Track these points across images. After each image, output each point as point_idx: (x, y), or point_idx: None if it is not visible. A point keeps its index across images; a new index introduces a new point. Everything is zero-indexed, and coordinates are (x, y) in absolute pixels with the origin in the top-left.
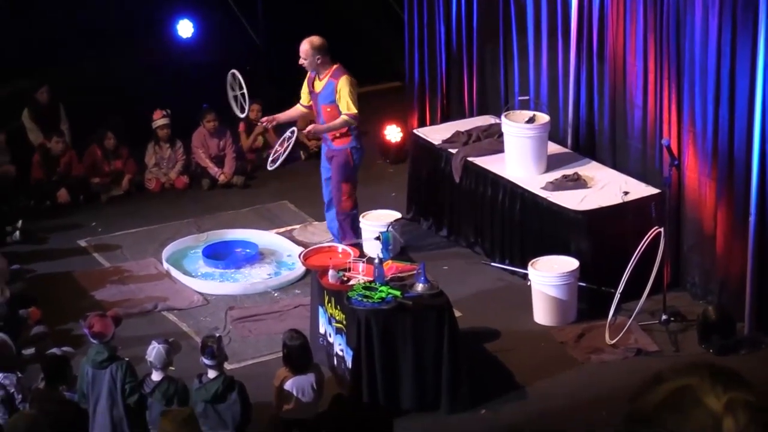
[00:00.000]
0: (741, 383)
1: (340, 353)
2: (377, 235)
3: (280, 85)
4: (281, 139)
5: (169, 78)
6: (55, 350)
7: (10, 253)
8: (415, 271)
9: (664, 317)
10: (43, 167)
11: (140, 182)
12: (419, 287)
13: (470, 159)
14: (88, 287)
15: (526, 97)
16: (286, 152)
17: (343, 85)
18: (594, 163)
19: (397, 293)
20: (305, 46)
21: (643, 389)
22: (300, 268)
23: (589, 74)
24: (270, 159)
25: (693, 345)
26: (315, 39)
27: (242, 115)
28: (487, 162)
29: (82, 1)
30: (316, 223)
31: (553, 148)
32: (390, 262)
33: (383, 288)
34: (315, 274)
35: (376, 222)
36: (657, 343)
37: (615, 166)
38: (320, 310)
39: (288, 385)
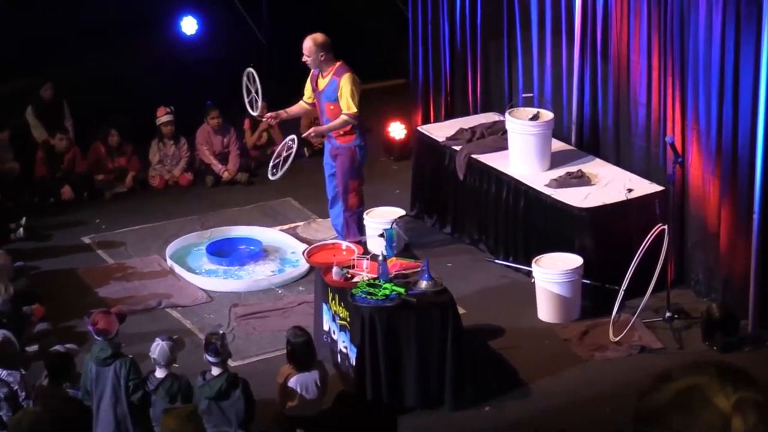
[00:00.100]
0: (750, 382)
1: (344, 350)
2: (381, 232)
3: (284, 82)
4: (281, 145)
5: (173, 75)
6: (58, 347)
7: (14, 250)
8: (419, 268)
9: (667, 314)
10: (46, 164)
11: (144, 179)
12: (423, 284)
13: (474, 156)
14: (92, 284)
15: (530, 95)
16: (288, 162)
17: (345, 83)
18: (598, 161)
19: (401, 290)
20: (308, 43)
21: (650, 387)
22: (304, 265)
23: (593, 71)
24: (271, 166)
25: (697, 342)
26: (318, 36)
27: (255, 114)
28: (491, 159)
29: None
30: (320, 220)
31: (557, 145)
32: (394, 259)
33: (387, 285)
34: (319, 271)
35: (380, 219)
36: (661, 340)
37: (619, 163)
38: (324, 307)
39: (292, 382)
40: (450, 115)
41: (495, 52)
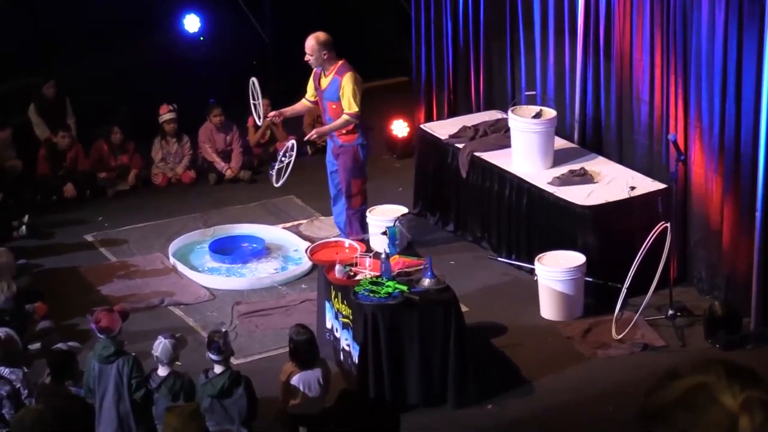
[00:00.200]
0: (757, 381)
1: (347, 348)
2: (384, 230)
3: (287, 79)
4: (283, 150)
5: (175, 73)
6: (61, 345)
7: (16, 247)
8: (421, 266)
9: (670, 312)
10: (49, 162)
11: (147, 177)
12: (426, 282)
13: (477, 154)
14: (95, 282)
15: (533, 92)
16: (290, 167)
17: (347, 82)
18: (600, 158)
19: (404, 288)
20: (311, 42)
21: (658, 385)
22: (307, 263)
23: (596, 69)
24: (275, 171)
25: (699, 340)
26: (321, 35)
27: (260, 123)
28: (493, 157)
29: None
30: (323, 217)
31: (560, 143)
32: (397, 257)
33: (390, 283)
34: (322, 269)
35: (382, 217)
36: (663, 338)
37: (621, 161)
38: (327, 305)
39: (294, 380)
40: (453, 113)
41: (498, 50)
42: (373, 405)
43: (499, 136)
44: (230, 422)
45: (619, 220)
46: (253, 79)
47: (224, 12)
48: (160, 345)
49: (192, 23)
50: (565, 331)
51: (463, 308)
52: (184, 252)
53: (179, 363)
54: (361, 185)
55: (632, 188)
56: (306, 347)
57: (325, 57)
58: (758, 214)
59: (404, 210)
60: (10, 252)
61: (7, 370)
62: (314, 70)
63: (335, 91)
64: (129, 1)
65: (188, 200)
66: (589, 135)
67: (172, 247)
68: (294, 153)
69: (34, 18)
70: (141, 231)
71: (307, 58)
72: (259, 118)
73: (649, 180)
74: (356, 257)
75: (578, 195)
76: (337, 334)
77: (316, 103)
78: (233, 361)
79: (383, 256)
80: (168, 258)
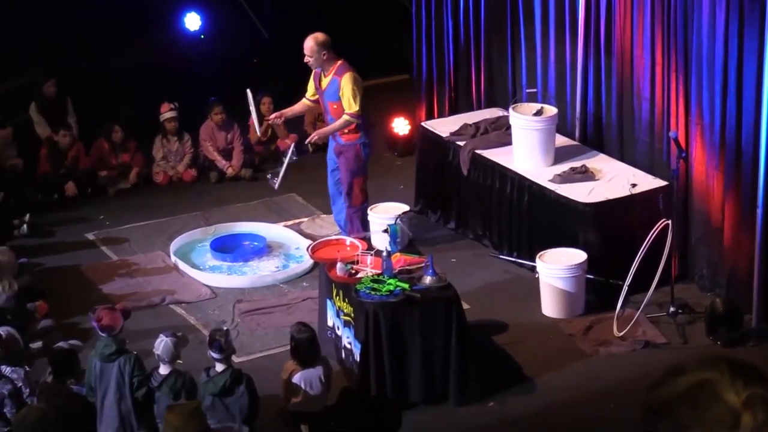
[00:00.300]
0: (761, 379)
1: (349, 346)
2: (385, 228)
3: (288, 77)
4: (287, 156)
5: (176, 71)
6: (62, 344)
7: (17, 246)
8: (423, 264)
9: (671, 309)
10: (50, 161)
11: (148, 175)
12: (427, 280)
13: (478, 151)
14: (96, 280)
15: (534, 90)
16: (284, 168)
17: (346, 82)
18: (602, 156)
19: (405, 286)
20: (310, 43)
21: (661, 380)
22: (308, 261)
23: (597, 67)
24: (278, 178)
25: (701, 337)
26: (319, 35)
27: (259, 133)
28: (495, 154)
29: None
30: (324, 215)
31: (561, 140)
32: (398, 254)
33: (391, 281)
34: (323, 267)
35: (384, 215)
36: (665, 335)
37: (622, 158)
38: (328, 303)
39: (296, 378)
40: (454, 111)
41: (498, 48)
42: (375, 403)
43: (500, 133)
44: (232, 420)
45: (620, 217)
46: (247, 90)
47: (225, 10)
48: (162, 343)
49: (193, 21)
50: (566, 329)
51: (465, 306)
52: (186, 250)
53: (181, 361)
54: (363, 183)
55: (633, 185)
56: (307, 345)
57: (325, 57)
58: (759, 210)
59: (405, 208)
60: (11, 251)
61: (8, 368)
62: (314, 70)
63: (335, 91)
64: (130, 0)
65: (189, 198)
66: (590, 132)
67: (174, 245)
68: (289, 156)
69: (35, 16)
70: (142, 229)
71: (306, 59)
72: (259, 125)
73: (650, 177)
74: (357, 255)
75: (579, 192)
76: (339, 332)
77: (316, 102)
78: (235, 359)
79: (384, 253)
80: (169, 256)
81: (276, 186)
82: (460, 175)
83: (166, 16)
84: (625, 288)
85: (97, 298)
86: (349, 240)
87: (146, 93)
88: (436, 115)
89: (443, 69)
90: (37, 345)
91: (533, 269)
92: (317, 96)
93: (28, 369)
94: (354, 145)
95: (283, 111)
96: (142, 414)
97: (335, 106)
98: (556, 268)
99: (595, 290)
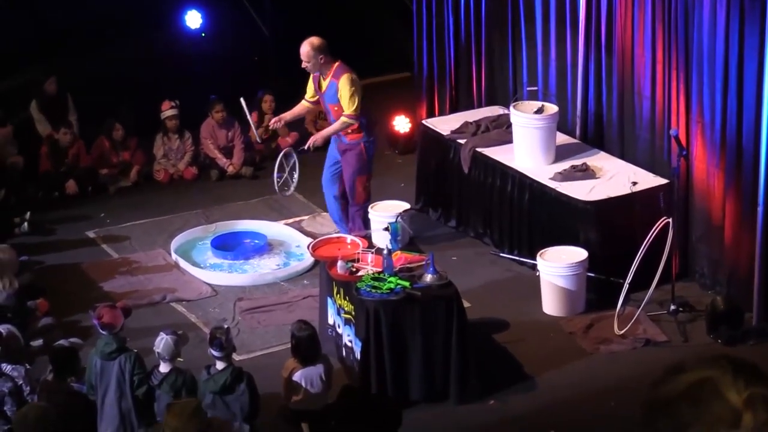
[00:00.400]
0: (762, 379)
1: (349, 344)
2: (386, 226)
3: (288, 75)
4: (278, 162)
5: (177, 69)
6: (63, 342)
7: (18, 244)
8: (423, 262)
9: (672, 307)
10: (51, 158)
11: (149, 173)
12: (428, 278)
13: (479, 149)
14: (97, 278)
15: (535, 88)
16: (296, 175)
17: (343, 85)
18: (602, 154)
19: (406, 284)
20: (306, 48)
21: (663, 378)
22: (309, 259)
23: (598, 65)
24: (278, 184)
25: (701, 335)
26: (314, 40)
27: (259, 140)
28: (495, 152)
29: None
30: (325, 213)
31: (562, 138)
32: (399, 252)
33: (392, 279)
34: (324, 265)
35: (384, 213)
36: (665, 333)
37: (623, 156)
38: (329, 301)
39: (297, 376)
40: (455, 109)
41: (499, 46)
42: (375, 401)
43: (501, 131)
44: (232, 418)
45: (621, 215)
46: (241, 99)
47: (225, 8)
48: (162, 341)
49: (193, 20)
50: (567, 327)
51: (465, 304)
52: (186, 248)
53: (181, 359)
54: (365, 182)
55: (634, 183)
56: (308, 343)
57: (322, 61)
58: (760, 209)
59: (406, 206)
60: (12, 248)
61: (9, 366)
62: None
63: (334, 94)
64: None
65: (190, 196)
66: (590, 130)
67: (174, 243)
68: (294, 158)
69: (35, 14)
70: (143, 227)
71: (304, 64)
72: (256, 129)
73: (650, 175)
74: (358, 253)
75: (580, 190)
76: (339, 330)
77: (315, 103)
78: (235, 357)
79: (385, 252)
80: (170, 254)
81: (289, 193)
82: (460, 173)
83: (166, 14)
84: (626, 286)
85: (97, 296)
86: (349, 238)
87: (147, 91)
88: (436, 113)
89: (444, 67)
90: (37, 343)
91: (534, 267)
92: (316, 97)
93: (28, 367)
94: (358, 144)
95: (283, 115)
96: (142, 412)
97: (336, 108)
98: (557, 266)
99: (596, 288)
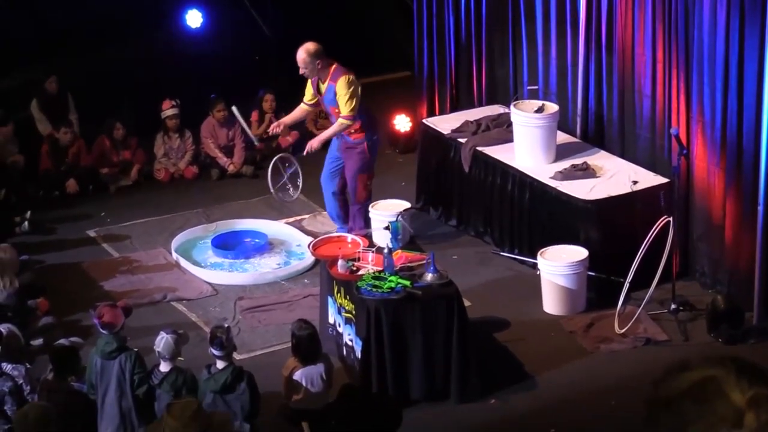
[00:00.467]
0: (766, 380)
1: (350, 343)
2: (386, 225)
3: (289, 74)
4: (270, 169)
5: (178, 68)
6: (63, 341)
7: (19, 243)
8: (424, 261)
9: (673, 306)
10: (51, 157)
11: (149, 172)
12: (429, 277)
13: (479, 148)
14: (97, 278)
15: (535, 87)
16: (299, 184)
17: (340, 87)
18: (603, 153)
19: (407, 283)
20: (302, 55)
21: (667, 375)
22: (309, 258)
23: (598, 64)
24: (276, 189)
25: (702, 334)
26: (310, 46)
27: (257, 143)
28: (496, 151)
29: None
30: (326, 212)
31: (562, 137)
32: (399, 251)
33: (392, 278)
34: (324, 264)
35: (385, 211)
36: (666, 332)
37: (624, 155)
38: (329, 300)
39: (297, 376)
40: (455, 108)
41: (500, 45)
42: (376, 400)
43: (502, 130)
44: (233, 417)
45: (621, 214)
46: (233, 108)
47: (226, 7)
48: (162, 340)
49: (194, 19)
50: (567, 326)
51: (466, 303)
52: (187, 247)
53: (182, 358)
54: (367, 180)
55: (635, 182)
56: (308, 342)
57: (319, 66)
58: (760, 208)
59: (407, 205)
60: (12, 248)
61: (9, 366)
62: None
63: (333, 97)
64: None
65: (191, 195)
66: (591, 129)
67: (175, 242)
68: (296, 164)
69: (36, 13)
70: (143, 226)
71: (301, 71)
72: (255, 137)
73: (651, 174)
74: (359, 252)
75: (581, 189)
76: (340, 329)
77: (314, 105)
78: (236, 356)
79: (386, 250)
80: (171, 253)
81: (292, 199)
82: (461, 172)
83: (167, 13)
84: (627, 285)
85: (98, 295)
86: (350, 237)
87: (148, 90)
88: (437, 112)
89: (444, 66)
90: (38, 342)
91: (534, 266)
92: (315, 100)
93: (29, 366)
94: (362, 142)
95: (282, 119)
96: (142, 411)
97: (337, 110)
98: (558, 265)
99: (597, 287)
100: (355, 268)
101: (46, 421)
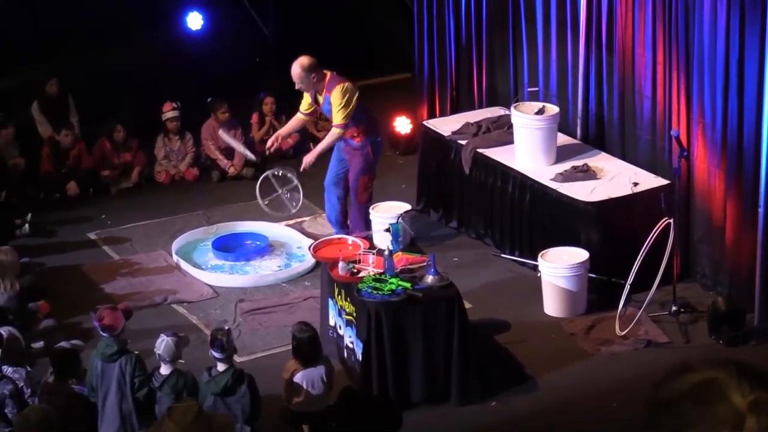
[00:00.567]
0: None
1: (351, 345)
2: (387, 227)
3: (290, 76)
4: (258, 186)
5: (178, 69)
6: (64, 344)
7: (19, 246)
8: (425, 263)
9: (674, 308)
10: (52, 160)
11: (150, 174)
12: (429, 279)
13: (480, 150)
14: (98, 280)
15: (536, 89)
16: (298, 200)
17: (334, 96)
18: (603, 154)
19: (407, 285)
20: (296, 70)
21: (669, 376)
22: (310, 260)
23: (599, 65)
24: (268, 203)
25: (703, 336)
26: (304, 60)
27: (254, 158)
28: (496, 153)
29: None
30: (326, 215)
31: (563, 139)
32: (400, 253)
33: (393, 280)
34: (325, 266)
35: (386, 213)
36: (667, 334)
37: (624, 157)
38: (330, 302)
39: (298, 378)
40: (455, 110)
41: (500, 47)
42: (376, 402)
43: (502, 132)
44: (234, 420)
45: (622, 216)
46: (220, 131)
47: (226, 9)
48: (163, 343)
49: (195, 21)
50: (568, 328)
51: (467, 305)
52: (188, 250)
53: (182, 361)
54: (368, 182)
55: (635, 184)
56: (309, 344)
57: (315, 80)
58: (761, 209)
59: (407, 207)
60: (13, 250)
61: (10, 369)
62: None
63: (330, 107)
64: None
65: (191, 198)
66: (591, 131)
67: (176, 244)
68: (294, 183)
69: (37, 15)
70: (144, 229)
71: (297, 86)
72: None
73: (651, 176)
74: (359, 254)
75: (581, 191)
76: (341, 332)
77: (311, 115)
78: (236, 358)
79: (386, 253)
80: (171, 256)
81: (297, 209)
82: (461, 174)
83: (168, 15)
84: (627, 287)
85: (98, 298)
86: (351, 239)
87: (148, 92)
88: (437, 114)
89: (445, 68)
90: (38, 345)
91: (535, 268)
92: (311, 109)
93: (29, 369)
94: (366, 145)
95: (279, 132)
96: (143, 414)
97: None
98: (558, 267)
99: (597, 289)
100: (355, 270)
101: (46, 424)
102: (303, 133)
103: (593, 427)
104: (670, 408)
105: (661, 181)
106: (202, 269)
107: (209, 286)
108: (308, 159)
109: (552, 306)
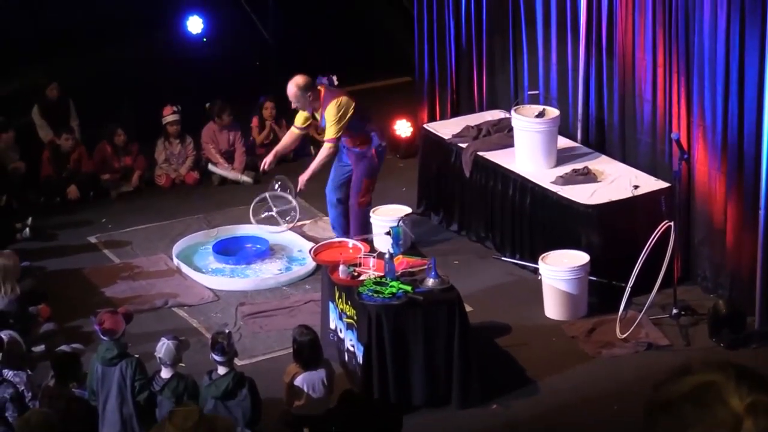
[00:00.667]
0: (766, 387)
1: (351, 349)
2: (388, 230)
3: (289, 79)
4: (253, 207)
5: (179, 74)
6: (64, 347)
7: (20, 250)
8: (425, 266)
9: (674, 311)
10: (52, 164)
11: (150, 178)
12: (430, 282)
13: (480, 153)
14: (99, 284)
15: (536, 92)
16: (294, 218)
17: (328, 112)
18: (604, 157)
19: (408, 288)
20: (292, 89)
21: (669, 378)
22: (310, 264)
23: (599, 68)
24: (260, 219)
25: (704, 339)
26: (299, 79)
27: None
28: (497, 156)
29: None
30: (327, 218)
31: (563, 142)
32: (400, 257)
33: (394, 283)
34: (326, 270)
35: (386, 217)
36: (668, 337)
37: (625, 160)
38: (331, 305)
39: (298, 381)
40: (456, 113)
41: (500, 50)
42: (376, 406)
43: (502, 135)
44: (234, 424)
45: (622, 219)
46: (209, 165)
47: (227, 13)
48: (163, 346)
49: (195, 25)
50: (569, 331)
51: (467, 308)
52: (188, 253)
53: (183, 364)
54: (370, 185)
55: (636, 187)
56: (309, 348)
57: (311, 98)
58: (762, 212)
59: (408, 210)
60: (14, 254)
61: (10, 372)
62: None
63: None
64: (132, 3)
65: (192, 201)
66: (592, 134)
67: (176, 248)
68: (292, 198)
69: (38, 19)
70: (144, 232)
71: (294, 106)
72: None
73: (652, 179)
74: (360, 257)
75: (582, 194)
76: (341, 335)
77: (305, 129)
78: (237, 362)
79: (387, 256)
80: (172, 259)
81: (295, 223)
82: (462, 177)
83: (168, 18)
84: (628, 290)
85: (99, 302)
86: (351, 242)
87: (148, 96)
88: (438, 117)
89: (445, 71)
90: (39, 348)
91: (536, 271)
92: (306, 124)
93: (30, 373)
94: (369, 149)
95: (275, 149)
96: (144, 418)
97: None
98: (559, 270)
99: (598, 292)
100: (356, 274)
101: (47, 428)
102: (304, 137)
103: (594, 429)
104: (669, 410)
105: (661, 184)
106: (203, 273)
107: (210, 289)
108: (303, 179)
109: (553, 309)
